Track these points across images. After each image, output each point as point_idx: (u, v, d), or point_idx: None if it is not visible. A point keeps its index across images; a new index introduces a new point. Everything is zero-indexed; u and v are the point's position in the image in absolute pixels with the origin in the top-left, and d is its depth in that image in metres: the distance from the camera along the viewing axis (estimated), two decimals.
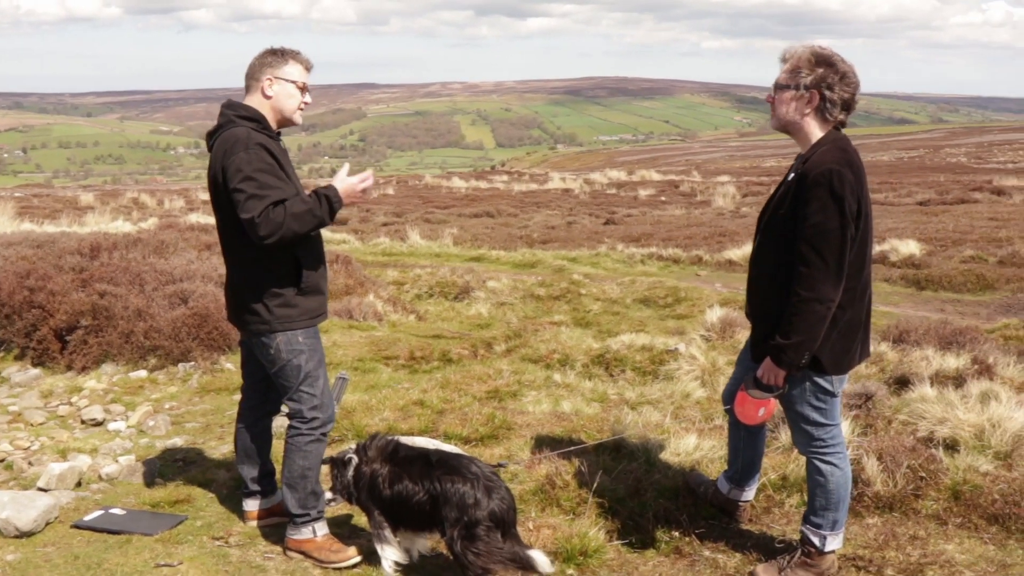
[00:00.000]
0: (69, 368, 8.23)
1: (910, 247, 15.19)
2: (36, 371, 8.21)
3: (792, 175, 3.94)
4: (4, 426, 6.90)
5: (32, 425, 6.96)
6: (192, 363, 8.08)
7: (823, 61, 3.85)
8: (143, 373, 8.01)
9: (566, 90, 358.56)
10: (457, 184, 45.58)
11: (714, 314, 9.19)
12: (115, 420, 6.96)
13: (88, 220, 21.67)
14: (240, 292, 4.40)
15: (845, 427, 5.50)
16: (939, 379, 7.00)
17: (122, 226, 19.18)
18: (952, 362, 7.47)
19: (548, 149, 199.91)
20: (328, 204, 4.19)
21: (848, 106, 3.90)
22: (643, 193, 36.13)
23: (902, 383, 7.08)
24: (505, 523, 4.01)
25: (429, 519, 4.12)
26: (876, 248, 15.77)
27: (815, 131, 3.93)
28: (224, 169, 4.15)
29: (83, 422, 6.99)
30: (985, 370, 7.21)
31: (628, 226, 23.27)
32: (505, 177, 53.71)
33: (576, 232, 22.06)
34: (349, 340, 9.00)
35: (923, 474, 5.04)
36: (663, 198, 34.06)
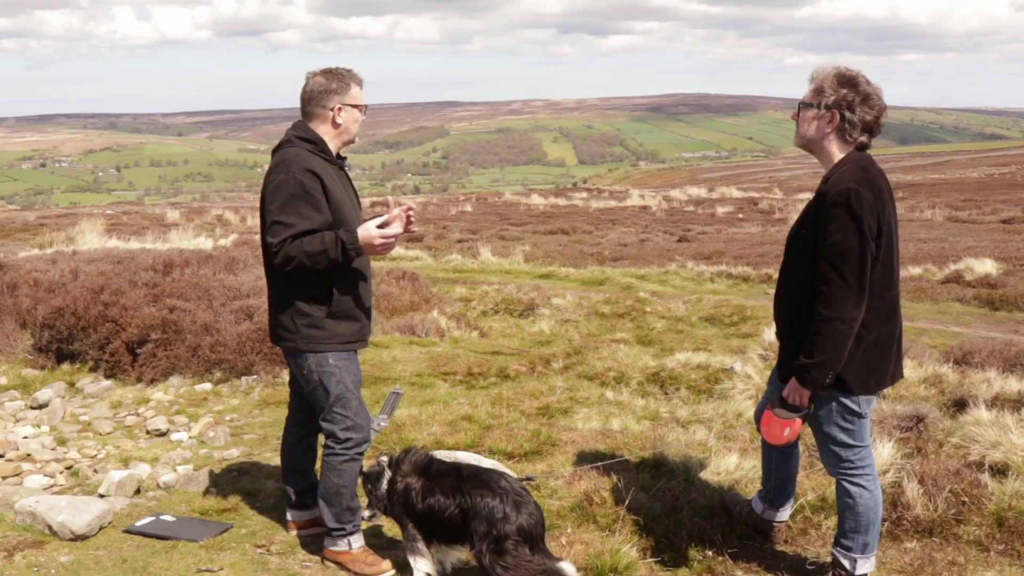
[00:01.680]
0: (139, 380, 8.55)
1: (986, 266, 14.83)
2: (108, 382, 8.54)
3: (815, 195, 3.96)
4: (75, 435, 7.20)
5: (100, 434, 7.25)
6: (255, 377, 8.31)
7: (847, 82, 3.87)
8: (208, 386, 8.27)
9: (648, 107, 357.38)
10: (536, 201, 45.72)
11: (772, 333, 9.12)
12: (178, 431, 7.21)
13: (172, 237, 22.33)
14: (274, 306, 4.56)
15: (888, 448, 5.46)
16: (998, 402, 6.85)
17: (203, 243, 19.75)
18: (1015, 385, 7.30)
19: (630, 166, 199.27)
20: (343, 249, 4.24)
21: (871, 128, 3.91)
22: (721, 210, 35.84)
23: (960, 405, 6.96)
24: (533, 537, 4.08)
25: (460, 532, 4.21)
26: (951, 267, 15.45)
27: (836, 151, 3.95)
28: (266, 186, 4.32)
29: (148, 432, 7.26)
30: None
31: (701, 244, 23.13)
32: (584, 194, 53.73)
33: (648, 250, 22.01)
34: (409, 356, 9.15)
35: (966, 499, 4.96)
36: (740, 215, 33.74)
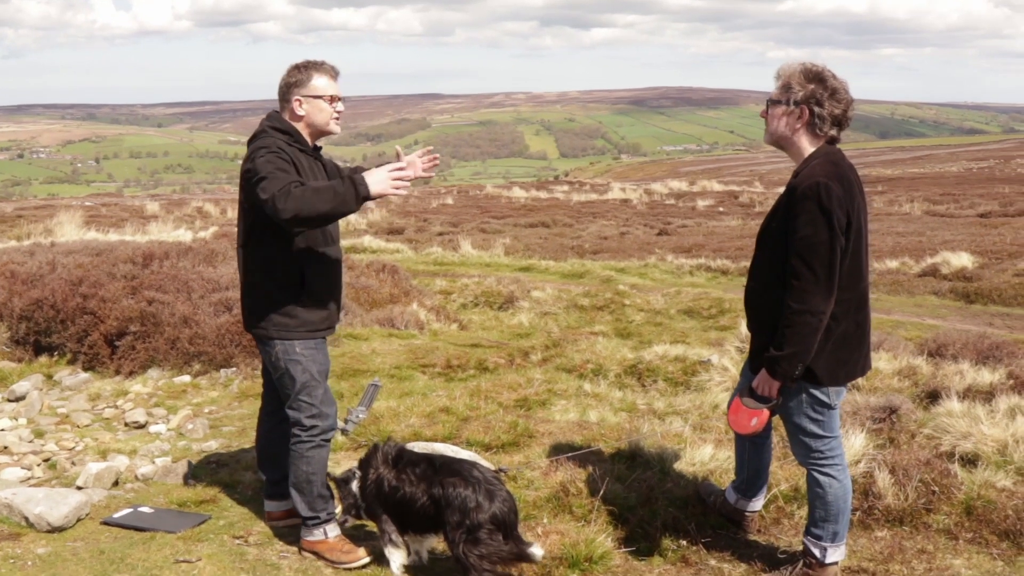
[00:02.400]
0: (117, 372, 8.54)
1: (962, 259, 14.99)
2: (86, 375, 8.52)
3: (785, 188, 4.02)
4: (52, 427, 7.19)
5: (78, 427, 7.24)
6: (234, 369, 8.32)
7: (814, 77, 3.92)
8: (187, 378, 8.27)
9: (630, 100, 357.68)
10: (517, 194, 45.77)
11: None
12: (156, 423, 7.21)
13: (151, 229, 22.23)
14: (246, 295, 4.60)
15: (860, 439, 5.53)
16: (971, 394, 6.96)
17: (183, 235, 19.67)
18: (987, 377, 7.40)
19: (612, 159, 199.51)
20: (352, 186, 4.03)
21: (839, 122, 3.96)
22: (701, 204, 35.99)
23: (933, 397, 7.06)
24: (507, 525, 4.12)
25: (433, 522, 4.25)
26: (928, 261, 15.59)
27: (806, 146, 4.00)
28: (245, 171, 4.32)
29: (126, 424, 7.25)
30: (1020, 385, 7.13)
31: (681, 237, 23.24)
32: (566, 187, 53.81)
33: (628, 243, 22.10)
34: (388, 348, 9.17)
35: (936, 488, 5.04)
36: (721, 209, 33.89)
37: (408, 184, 4.18)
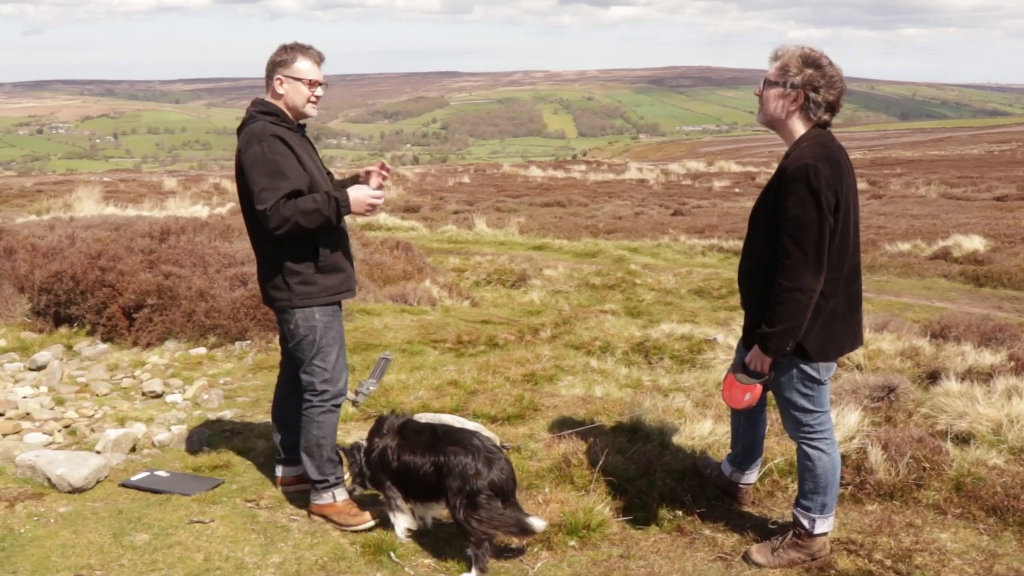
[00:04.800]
0: (135, 344, 8.75)
1: (974, 243, 15.04)
2: (104, 346, 8.74)
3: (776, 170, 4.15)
4: (72, 395, 7.41)
5: (97, 395, 7.46)
6: (248, 342, 8.51)
7: (812, 63, 4.04)
8: (202, 350, 8.47)
9: (649, 79, 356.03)
10: (534, 173, 45.82)
11: None
12: (173, 393, 7.42)
13: (169, 205, 22.46)
14: (264, 271, 4.78)
15: (855, 416, 5.66)
16: (971, 375, 7.06)
17: (200, 211, 19.87)
18: (988, 359, 7.51)
19: (630, 139, 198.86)
20: (336, 207, 4.53)
21: (832, 108, 4.08)
22: (718, 184, 35.98)
23: (933, 378, 7.17)
24: (504, 492, 4.29)
25: (435, 489, 4.42)
26: (939, 244, 15.65)
27: (798, 128, 4.12)
28: (242, 163, 4.54)
29: (144, 394, 7.46)
30: (1021, 367, 7.24)
31: (695, 217, 23.31)
32: (583, 167, 53.80)
33: (642, 223, 22.19)
34: (400, 323, 9.35)
35: (927, 464, 5.17)
36: (737, 190, 33.88)
37: (380, 202, 4.78)
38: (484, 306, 11.32)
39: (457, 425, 5.20)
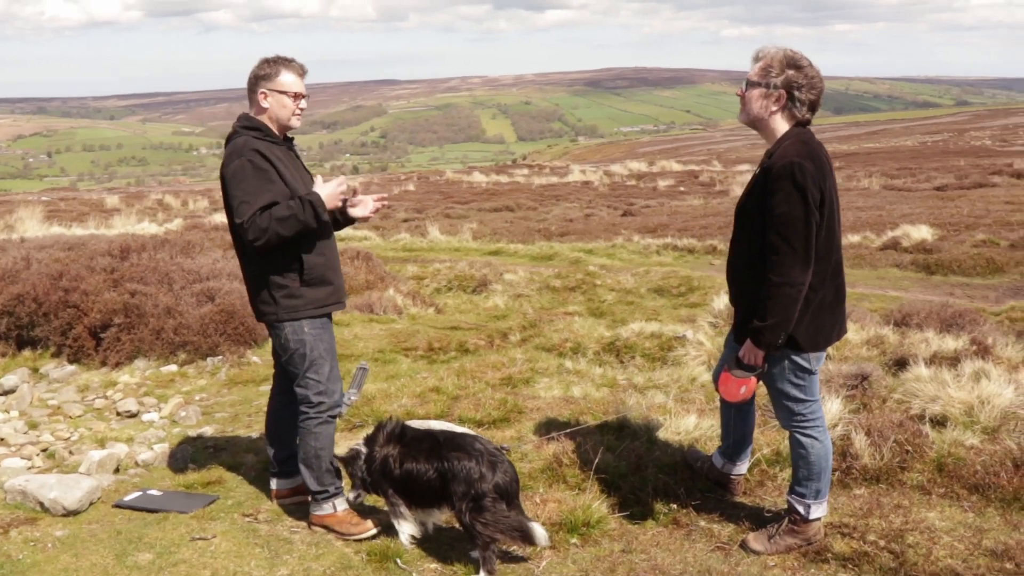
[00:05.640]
0: (103, 364, 8.64)
1: (922, 232, 15.41)
2: (72, 367, 8.62)
3: (760, 168, 4.27)
4: (45, 419, 7.31)
5: (71, 417, 7.37)
6: (220, 357, 8.46)
7: (793, 64, 4.17)
8: (173, 367, 8.40)
9: (586, 82, 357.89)
10: (478, 179, 45.89)
11: (722, 301, 9.49)
12: (148, 412, 7.35)
13: (115, 222, 22.18)
14: (252, 285, 4.80)
15: (836, 404, 5.81)
16: (937, 360, 7.25)
17: (148, 227, 19.66)
18: (951, 344, 7.72)
19: (569, 141, 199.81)
20: (312, 208, 4.51)
21: (813, 107, 4.22)
22: (662, 184, 36.35)
23: (901, 364, 7.35)
24: (509, 494, 4.34)
25: (439, 494, 4.46)
26: (888, 234, 16.00)
27: (780, 127, 4.25)
28: (223, 177, 4.57)
29: (118, 414, 7.39)
30: (983, 351, 7.45)
31: (645, 217, 23.54)
32: (526, 171, 53.95)
33: (594, 224, 22.36)
34: (370, 333, 9.36)
35: (909, 448, 5.33)
36: (682, 188, 34.27)
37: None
38: (449, 312, 11.35)
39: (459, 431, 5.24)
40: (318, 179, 4.77)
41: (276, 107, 4.70)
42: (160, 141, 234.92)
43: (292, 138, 4.89)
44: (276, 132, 4.75)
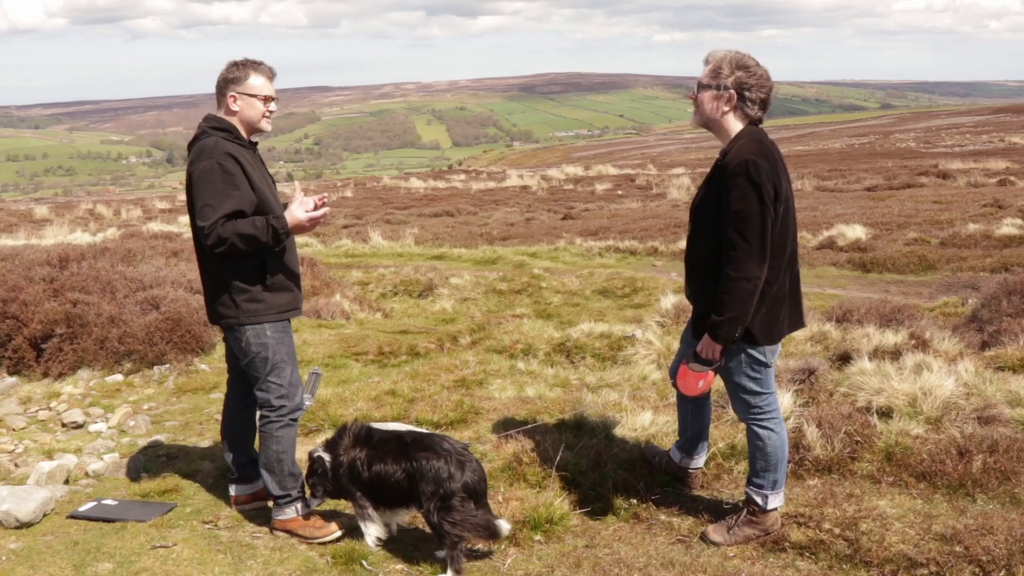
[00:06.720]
0: (46, 375, 8.46)
1: (856, 232, 15.75)
2: (13, 379, 8.43)
3: (715, 167, 4.37)
4: None
5: (14, 430, 7.20)
6: (167, 366, 8.35)
7: (741, 65, 4.29)
8: (119, 377, 8.27)
9: (520, 87, 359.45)
10: (415, 184, 45.83)
11: (668, 301, 9.62)
12: (95, 422, 7.22)
13: (47, 233, 21.69)
14: (211, 288, 4.75)
15: (787, 398, 5.94)
16: (878, 354, 7.43)
17: (82, 237, 19.27)
18: (891, 338, 7.91)
19: (504, 147, 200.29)
20: (274, 233, 4.50)
21: (764, 105, 4.34)
22: (600, 188, 36.62)
23: (844, 359, 7.52)
24: (477, 493, 4.37)
25: (407, 495, 4.47)
26: (824, 234, 16.32)
27: (734, 127, 4.35)
28: (190, 175, 4.52)
29: (64, 425, 7.24)
30: (921, 344, 7.67)
31: (586, 220, 23.71)
32: (463, 176, 54.03)
33: (535, 228, 22.46)
34: (319, 338, 9.31)
35: (859, 439, 5.47)
36: (619, 192, 34.57)
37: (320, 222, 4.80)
38: (397, 317, 11.34)
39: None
40: (298, 194, 4.71)
41: (247, 109, 4.68)
42: (88, 150, 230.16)
43: (256, 143, 4.87)
44: (244, 134, 4.73)
